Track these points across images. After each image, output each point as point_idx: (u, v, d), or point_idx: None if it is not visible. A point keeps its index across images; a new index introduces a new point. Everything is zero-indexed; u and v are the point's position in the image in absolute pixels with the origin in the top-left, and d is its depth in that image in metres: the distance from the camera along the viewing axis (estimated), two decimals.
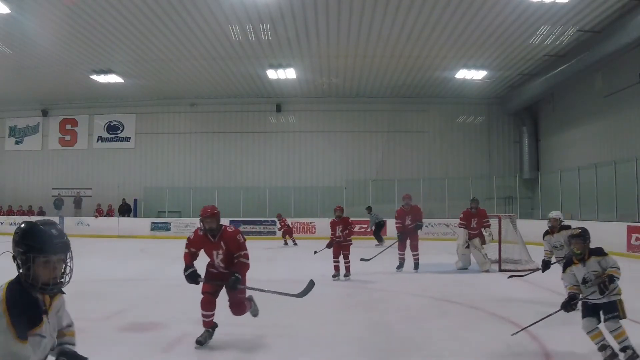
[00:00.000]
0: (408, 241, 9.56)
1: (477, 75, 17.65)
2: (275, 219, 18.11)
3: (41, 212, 21.07)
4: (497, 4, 12.15)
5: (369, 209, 17.71)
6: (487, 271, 9.43)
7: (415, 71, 17.90)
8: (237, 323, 5.57)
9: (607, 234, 12.77)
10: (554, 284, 7.88)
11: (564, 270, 4.25)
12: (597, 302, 3.95)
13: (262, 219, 19.67)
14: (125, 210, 21.13)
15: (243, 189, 20.97)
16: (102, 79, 18.22)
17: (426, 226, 18.61)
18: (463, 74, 17.62)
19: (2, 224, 20.51)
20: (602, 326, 3.92)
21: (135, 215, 21.13)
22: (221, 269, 4.58)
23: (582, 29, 13.33)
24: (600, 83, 15.43)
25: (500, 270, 9.32)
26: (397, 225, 9.74)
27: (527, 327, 4.44)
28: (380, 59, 16.57)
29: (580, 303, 4.08)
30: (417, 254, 9.51)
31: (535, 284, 8.03)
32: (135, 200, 21.43)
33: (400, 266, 9.46)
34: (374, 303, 6.63)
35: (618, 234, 12.20)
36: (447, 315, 5.89)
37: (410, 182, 19.83)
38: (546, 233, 6.40)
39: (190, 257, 4.53)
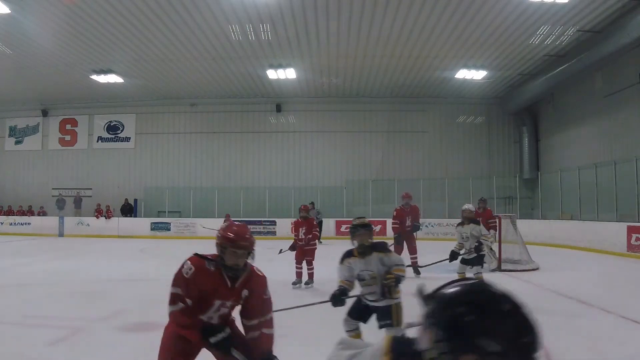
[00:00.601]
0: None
1: (477, 75, 17.65)
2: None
3: (43, 212, 21.06)
4: (497, 4, 12.15)
5: (312, 204, 17.51)
6: (494, 270, 9.37)
7: (415, 71, 17.90)
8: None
9: (607, 234, 12.82)
10: (554, 284, 7.90)
11: (341, 262, 3.78)
12: (372, 304, 3.61)
13: (262, 219, 19.67)
14: (127, 210, 21.13)
15: (243, 189, 20.97)
16: (102, 79, 18.22)
17: (425, 226, 18.73)
18: (463, 74, 17.62)
19: (2, 224, 20.54)
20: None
21: (135, 215, 21.13)
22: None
23: (582, 29, 13.34)
24: (600, 83, 15.43)
25: (501, 270, 9.31)
26: (395, 226, 9.12)
27: None
28: (380, 59, 16.57)
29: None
30: (416, 257, 8.85)
31: (536, 284, 8.03)
32: (135, 200, 21.43)
33: None
34: None
35: (618, 234, 12.21)
36: None
37: (410, 182, 19.82)
38: (459, 224, 6.82)
39: (185, 316, 2.56)
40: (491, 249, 9.73)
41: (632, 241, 11.72)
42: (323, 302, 3.65)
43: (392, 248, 8.06)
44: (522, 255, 9.89)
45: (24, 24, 13.22)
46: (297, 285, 7.58)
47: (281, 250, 8.29)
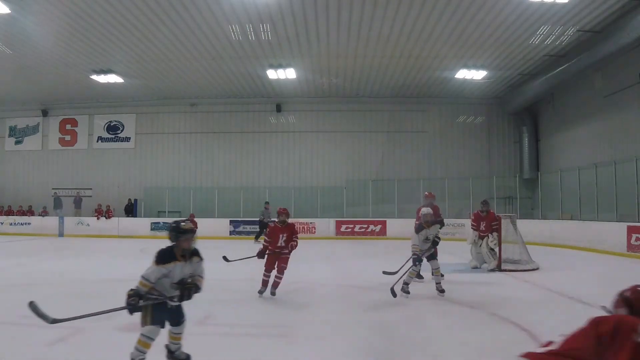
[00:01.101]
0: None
1: (477, 75, 17.65)
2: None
3: (44, 213, 21.04)
4: (497, 4, 12.14)
5: (267, 204, 17.92)
6: (493, 270, 9.39)
7: (415, 71, 17.90)
8: (236, 323, 5.57)
9: (607, 234, 12.82)
10: (554, 284, 7.90)
11: (164, 262, 3.72)
12: (170, 304, 3.69)
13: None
14: (130, 210, 21.13)
15: (243, 189, 20.98)
16: (102, 79, 18.22)
17: None
18: (463, 74, 17.61)
19: (2, 224, 20.54)
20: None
21: (135, 215, 21.13)
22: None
23: (582, 29, 13.33)
24: (600, 83, 15.43)
25: (501, 270, 9.31)
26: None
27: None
28: (380, 59, 16.57)
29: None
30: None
31: (536, 284, 8.03)
32: (135, 200, 21.43)
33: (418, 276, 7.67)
34: (374, 303, 6.63)
35: (618, 234, 12.21)
36: (447, 316, 5.89)
37: (410, 182, 19.85)
38: (419, 230, 6.98)
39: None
40: (492, 249, 9.75)
41: (632, 241, 11.72)
42: (118, 309, 3.73)
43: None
44: (522, 255, 9.90)
45: (24, 24, 13.22)
46: (262, 294, 6.91)
47: (225, 257, 7.56)
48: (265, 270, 6.93)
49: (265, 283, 6.91)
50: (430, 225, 6.98)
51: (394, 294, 6.53)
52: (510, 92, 19.82)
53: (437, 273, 6.93)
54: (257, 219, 17.75)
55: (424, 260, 7.02)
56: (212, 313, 5.96)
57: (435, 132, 21.62)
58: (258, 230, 17.45)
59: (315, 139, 21.85)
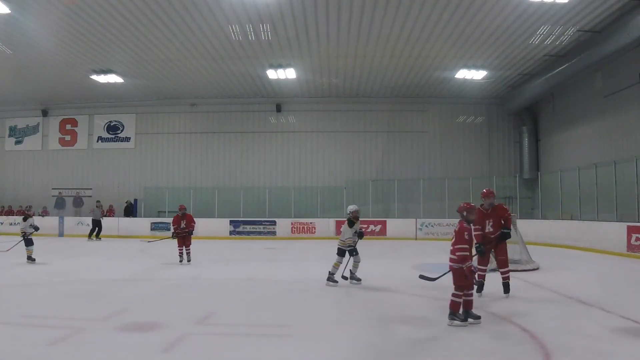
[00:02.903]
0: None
1: (477, 75, 17.65)
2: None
3: (45, 213, 21.01)
4: (497, 4, 12.14)
5: (98, 202, 19.28)
6: (493, 270, 9.35)
7: (415, 71, 17.90)
8: (236, 323, 5.57)
9: (607, 234, 12.82)
10: (554, 284, 7.90)
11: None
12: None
13: (262, 219, 19.68)
14: (129, 212, 21.13)
15: (243, 189, 20.98)
16: (102, 79, 18.22)
17: (425, 226, 18.77)
18: (463, 74, 17.62)
19: (2, 224, 20.52)
20: None
21: (135, 215, 21.13)
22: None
23: (582, 29, 13.34)
24: (600, 83, 15.44)
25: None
26: (476, 233, 6.65)
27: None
28: (380, 59, 16.57)
29: None
30: (508, 273, 7.08)
31: (536, 284, 8.03)
32: (135, 200, 21.43)
33: (480, 288, 6.88)
34: (374, 303, 6.63)
35: (618, 234, 12.21)
36: (447, 315, 5.88)
37: (410, 182, 19.86)
38: (349, 224, 7.96)
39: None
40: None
41: (632, 241, 11.72)
42: None
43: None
44: (522, 255, 9.89)
45: (24, 24, 13.22)
46: (181, 263, 10.81)
47: (149, 241, 11.49)
48: (178, 247, 11.01)
49: (180, 253, 10.93)
50: (357, 221, 8.07)
51: (334, 281, 7.84)
52: (510, 92, 19.82)
53: (357, 266, 8.07)
54: (91, 218, 18.80)
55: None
56: (212, 313, 5.96)
57: (435, 132, 21.62)
58: (91, 227, 18.51)
59: (315, 139, 21.86)
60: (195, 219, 11.61)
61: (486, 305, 6.29)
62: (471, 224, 5.59)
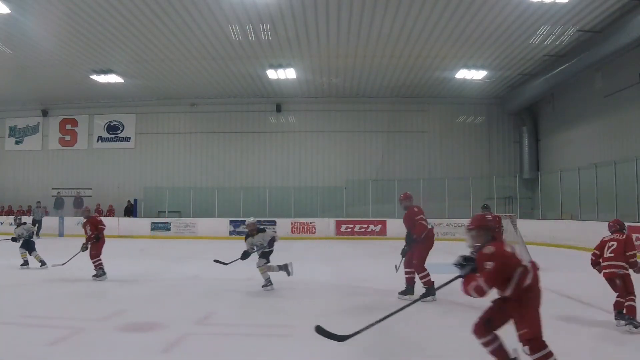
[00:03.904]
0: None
1: (477, 75, 17.65)
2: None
3: (45, 212, 21.00)
4: (497, 4, 12.15)
5: (39, 202, 19.44)
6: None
7: (415, 71, 17.90)
8: (236, 323, 5.57)
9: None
10: (554, 284, 7.90)
11: None
12: None
13: (262, 219, 19.64)
14: (129, 212, 21.13)
15: (243, 189, 20.97)
16: (102, 79, 18.22)
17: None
18: (463, 74, 17.62)
19: (2, 224, 20.51)
20: None
21: (135, 215, 21.13)
22: None
23: (582, 29, 13.34)
24: (600, 83, 15.43)
25: None
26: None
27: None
28: (380, 59, 16.57)
29: None
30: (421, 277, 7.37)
31: None
32: (135, 200, 21.43)
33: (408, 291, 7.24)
34: (374, 303, 6.64)
35: None
36: (447, 315, 5.89)
37: (410, 182, 19.83)
38: (248, 236, 7.81)
39: None
40: None
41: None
42: None
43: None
44: (522, 255, 9.80)
45: (24, 24, 13.22)
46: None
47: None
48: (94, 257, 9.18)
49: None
50: (257, 233, 7.82)
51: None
52: (510, 92, 19.82)
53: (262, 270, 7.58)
54: (32, 217, 18.79)
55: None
56: (212, 313, 5.96)
57: (435, 132, 21.62)
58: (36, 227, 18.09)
59: (315, 139, 21.85)
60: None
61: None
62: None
